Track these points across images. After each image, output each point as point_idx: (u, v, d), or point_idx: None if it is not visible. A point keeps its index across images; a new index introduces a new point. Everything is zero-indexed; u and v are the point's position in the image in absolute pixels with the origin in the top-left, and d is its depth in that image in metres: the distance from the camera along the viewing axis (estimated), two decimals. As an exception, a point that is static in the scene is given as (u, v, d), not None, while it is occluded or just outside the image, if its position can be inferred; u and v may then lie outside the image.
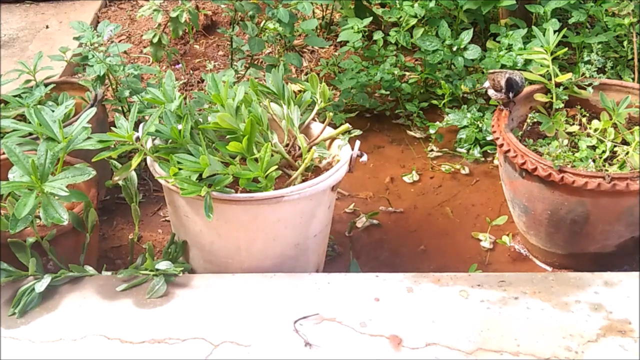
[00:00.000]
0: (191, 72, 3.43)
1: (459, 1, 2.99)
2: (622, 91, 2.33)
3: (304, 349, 1.66)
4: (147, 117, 2.11)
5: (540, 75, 2.38)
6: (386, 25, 3.40)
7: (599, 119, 2.23)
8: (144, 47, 3.61)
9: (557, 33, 2.41)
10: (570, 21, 2.90)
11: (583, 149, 2.13)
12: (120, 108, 2.63)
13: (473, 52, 2.87)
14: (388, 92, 3.08)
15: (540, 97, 2.33)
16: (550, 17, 2.83)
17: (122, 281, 1.87)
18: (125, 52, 2.90)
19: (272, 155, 1.86)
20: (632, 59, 2.77)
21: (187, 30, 3.62)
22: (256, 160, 1.86)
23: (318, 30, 3.64)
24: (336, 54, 3.37)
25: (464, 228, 2.48)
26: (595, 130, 2.22)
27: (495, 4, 2.97)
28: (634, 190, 1.97)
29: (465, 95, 2.99)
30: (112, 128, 1.90)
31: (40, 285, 1.80)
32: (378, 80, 3.00)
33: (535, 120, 2.28)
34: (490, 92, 2.31)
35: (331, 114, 2.16)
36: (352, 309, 1.77)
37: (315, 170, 2.08)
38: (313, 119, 2.17)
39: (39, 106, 1.99)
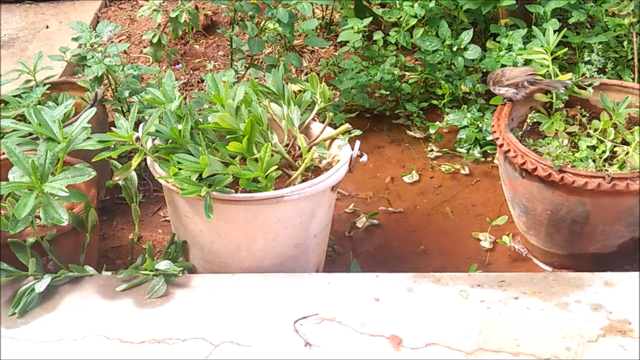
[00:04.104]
0: (191, 72, 3.43)
1: (459, 1, 2.99)
2: (622, 91, 2.33)
3: (304, 349, 1.66)
4: (147, 117, 2.11)
5: (541, 75, 2.38)
6: (386, 25, 3.40)
7: (599, 119, 2.23)
8: (144, 47, 3.61)
9: (557, 33, 2.41)
10: (570, 21, 2.90)
11: (583, 149, 2.13)
12: (120, 108, 2.63)
13: (473, 52, 2.87)
14: (388, 92, 3.08)
15: (540, 97, 2.33)
16: (550, 17, 2.83)
17: (122, 281, 1.87)
18: (125, 52, 2.90)
19: (272, 155, 1.86)
20: (632, 59, 2.77)
21: (187, 31, 3.62)
22: (256, 160, 1.86)
23: (318, 30, 3.64)
24: (336, 54, 3.37)
25: (464, 228, 2.48)
26: (595, 130, 2.22)
27: (495, 4, 2.97)
28: (634, 190, 1.97)
29: (465, 95, 2.99)
30: (112, 128, 1.90)
31: (40, 285, 1.80)
32: (378, 80, 3.00)
33: (535, 120, 2.28)
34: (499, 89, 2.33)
35: (331, 114, 2.16)
36: (352, 309, 1.77)
37: (315, 170, 2.08)
38: (313, 119, 2.17)
39: (38, 106, 1.99)
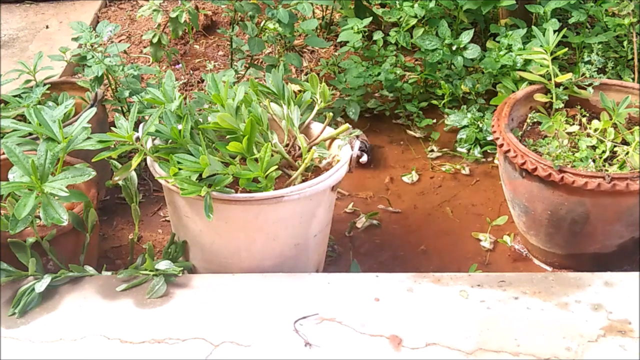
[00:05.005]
0: (191, 72, 3.43)
1: (459, 1, 2.99)
2: (622, 91, 2.33)
3: (304, 349, 1.66)
4: (147, 117, 2.11)
5: (540, 75, 2.38)
6: (386, 25, 3.40)
7: (599, 119, 2.23)
8: (144, 47, 3.61)
9: (557, 33, 2.41)
10: (570, 21, 2.90)
11: (583, 149, 2.13)
12: (120, 108, 2.63)
13: (473, 51, 2.86)
14: (390, 93, 3.08)
15: (540, 97, 2.33)
16: (550, 17, 2.83)
17: (122, 281, 1.87)
18: (125, 52, 2.90)
19: (272, 155, 1.86)
20: (632, 59, 2.77)
21: (187, 31, 3.62)
22: (256, 160, 1.86)
23: (318, 31, 3.64)
24: (336, 54, 3.37)
25: (464, 228, 2.48)
26: (595, 130, 2.22)
27: (495, 4, 2.97)
28: (634, 190, 1.97)
29: (465, 95, 3.00)
30: (112, 128, 1.90)
31: (40, 285, 1.80)
32: (379, 80, 3.00)
33: (535, 120, 2.28)
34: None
35: (331, 114, 2.16)
36: (352, 309, 1.77)
37: (315, 170, 2.08)
38: (313, 119, 2.17)
39: (38, 106, 1.99)
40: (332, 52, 3.51)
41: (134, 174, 2.08)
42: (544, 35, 2.40)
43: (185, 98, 2.13)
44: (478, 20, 3.27)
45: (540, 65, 2.39)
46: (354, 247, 2.41)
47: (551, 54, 2.35)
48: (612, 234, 2.09)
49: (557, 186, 2.03)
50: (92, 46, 2.50)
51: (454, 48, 2.89)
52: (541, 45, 2.38)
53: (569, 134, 2.23)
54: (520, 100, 2.32)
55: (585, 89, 2.34)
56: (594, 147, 2.18)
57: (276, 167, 1.86)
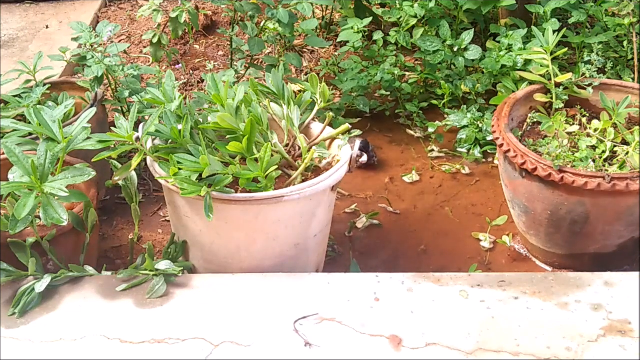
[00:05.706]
0: (191, 72, 3.43)
1: (459, 1, 2.99)
2: (622, 91, 2.33)
3: (304, 349, 1.66)
4: (147, 117, 2.11)
5: (540, 75, 2.38)
6: (386, 25, 3.40)
7: (599, 119, 2.23)
8: (144, 47, 3.61)
9: (557, 33, 2.41)
10: (570, 21, 2.90)
11: (583, 149, 2.13)
12: (120, 108, 2.63)
13: (474, 52, 2.87)
14: (388, 93, 3.08)
15: (540, 97, 2.33)
16: (550, 17, 2.83)
17: (122, 281, 1.87)
18: (125, 52, 2.90)
19: (272, 155, 1.86)
20: (632, 59, 2.77)
21: (187, 31, 3.63)
22: (256, 160, 1.86)
23: (318, 31, 3.64)
24: (336, 54, 3.37)
25: (464, 228, 2.48)
26: (595, 130, 2.22)
27: (495, 4, 2.97)
28: (634, 190, 1.97)
29: (465, 95, 2.99)
30: (112, 128, 1.90)
31: (40, 285, 1.80)
32: (378, 80, 3.00)
33: (535, 120, 2.28)
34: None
35: (332, 114, 2.16)
36: (352, 309, 1.77)
37: (315, 170, 2.08)
38: (313, 119, 2.17)
39: (38, 106, 1.98)
40: (332, 52, 3.51)
41: (134, 174, 2.08)
42: (544, 35, 2.40)
43: (185, 98, 2.13)
44: (478, 20, 3.27)
45: (540, 65, 2.39)
46: (354, 247, 2.41)
47: (551, 54, 2.35)
48: (612, 234, 2.09)
49: (557, 186, 2.03)
50: (92, 46, 2.51)
51: (455, 49, 2.89)
52: (541, 46, 2.38)
53: (569, 134, 2.23)
54: (520, 100, 2.32)
55: (585, 89, 2.34)
56: (594, 147, 2.18)
57: (276, 167, 1.86)
